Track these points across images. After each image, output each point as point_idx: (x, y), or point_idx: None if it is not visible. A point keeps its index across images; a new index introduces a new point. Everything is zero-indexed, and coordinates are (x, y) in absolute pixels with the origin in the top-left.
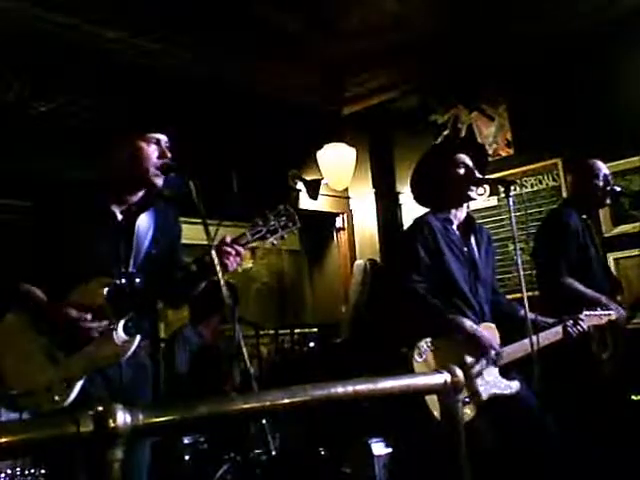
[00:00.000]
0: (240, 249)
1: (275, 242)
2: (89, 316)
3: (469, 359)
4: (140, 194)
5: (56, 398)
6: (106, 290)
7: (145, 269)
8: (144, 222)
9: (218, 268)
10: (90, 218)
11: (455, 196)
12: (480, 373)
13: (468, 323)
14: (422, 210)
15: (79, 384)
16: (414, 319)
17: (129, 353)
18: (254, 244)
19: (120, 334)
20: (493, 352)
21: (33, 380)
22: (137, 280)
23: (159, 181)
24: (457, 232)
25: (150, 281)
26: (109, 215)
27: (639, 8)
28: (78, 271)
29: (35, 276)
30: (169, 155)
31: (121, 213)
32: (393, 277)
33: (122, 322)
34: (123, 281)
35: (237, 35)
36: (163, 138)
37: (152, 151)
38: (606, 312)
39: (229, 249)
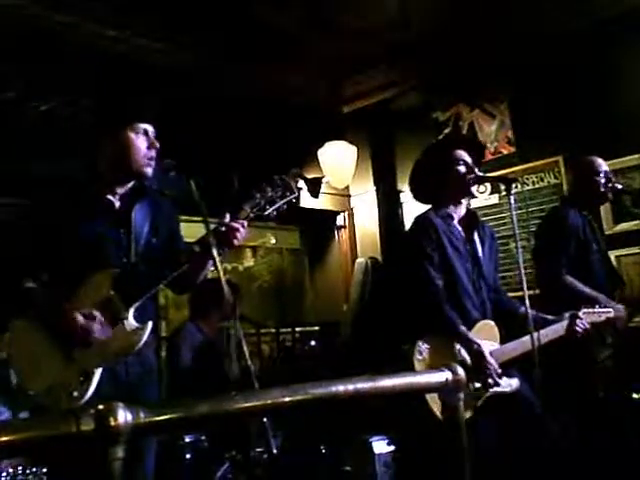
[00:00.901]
0: (243, 222)
1: (274, 213)
2: (98, 326)
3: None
4: (130, 185)
5: (75, 394)
6: (111, 281)
7: (147, 258)
8: (140, 212)
9: (219, 264)
10: (88, 209)
11: (455, 193)
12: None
13: (476, 343)
14: (423, 208)
15: (95, 379)
16: (426, 316)
17: (143, 341)
18: (255, 243)
19: (131, 322)
20: (491, 380)
21: (50, 379)
22: (141, 267)
23: (149, 170)
24: (459, 228)
25: (154, 268)
26: (107, 204)
27: (639, 7)
28: (82, 262)
29: (38, 271)
30: (157, 145)
31: (117, 201)
32: (410, 274)
33: (132, 310)
34: (127, 269)
35: (237, 35)
36: (150, 128)
37: (141, 142)
38: (605, 310)
39: (233, 225)
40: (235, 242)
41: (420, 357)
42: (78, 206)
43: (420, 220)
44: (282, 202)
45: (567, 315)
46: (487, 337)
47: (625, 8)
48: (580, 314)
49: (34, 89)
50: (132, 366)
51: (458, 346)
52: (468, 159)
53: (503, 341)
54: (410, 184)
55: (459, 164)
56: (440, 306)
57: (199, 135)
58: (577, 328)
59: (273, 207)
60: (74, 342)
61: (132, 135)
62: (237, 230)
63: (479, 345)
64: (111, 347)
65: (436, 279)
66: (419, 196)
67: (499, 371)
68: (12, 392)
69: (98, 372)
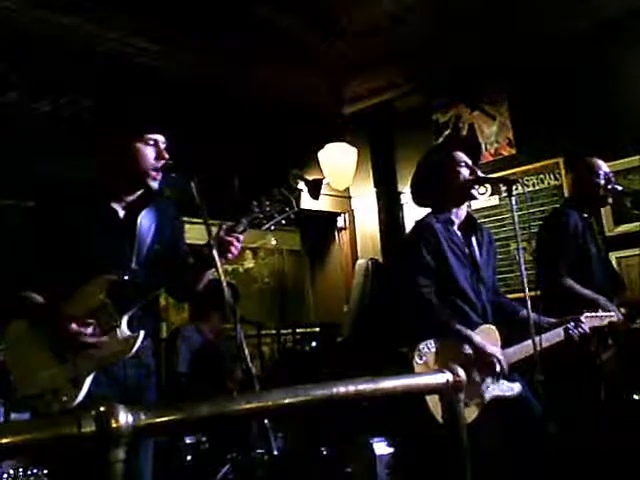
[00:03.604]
0: (239, 236)
1: (272, 227)
2: (90, 329)
3: (475, 374)
4: (138, 193)
5: (64, 399)
6: (107, 288)
7: (149, 265)
8: (146, 219)
9: (219, 266)
10: (92, 216)
11: (457, 196)
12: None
13: (476, 337)
14: (423, 210)
15: (87, 384)
16: (420, 324)
17: (134, 349)
18: (256, 244)
19: (124, 331)
20: (498, 368)
21: (41, 382)
22: (139, 276)
23: (155, 183)
24: (458, 233)
25: (153, 276)
26: (111, 213)
27: (639, 7)
28: (82, 269)
29: (38, 276)
30: (166, 156)
31: (122, 210)
32: (400, 282)
33: (125, 319)
34: (125, 278)
35: (238, 35)
36: (161, 139)
37: (149, 152)
38: (607, 314)
39: (227, 238)
40: (230, 255)
41: (420, 361)
42: (81, 212)
43: (420, 224)
44: (280, 217)
45: (568, 319)
46: (488, 341)
47: (625, 9)
48: (582, 318)
49: (35, 90)
50: (130, 369)
51: (465, 347)
52: (469, 161)
53: (504, 345)
54: (411, 188)
55: (461, 166)
56: (432, 307)
57: (200, 136)
58: (576, 332)
59: (271, 222)
60: (66, 347)
61: (140, 145)
62: (232, 244)
63: (478, 339)
64: (102, 354)
65: (422, 285)
66: (420, 200)
67: (498, 345)
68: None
69: (89, 378)
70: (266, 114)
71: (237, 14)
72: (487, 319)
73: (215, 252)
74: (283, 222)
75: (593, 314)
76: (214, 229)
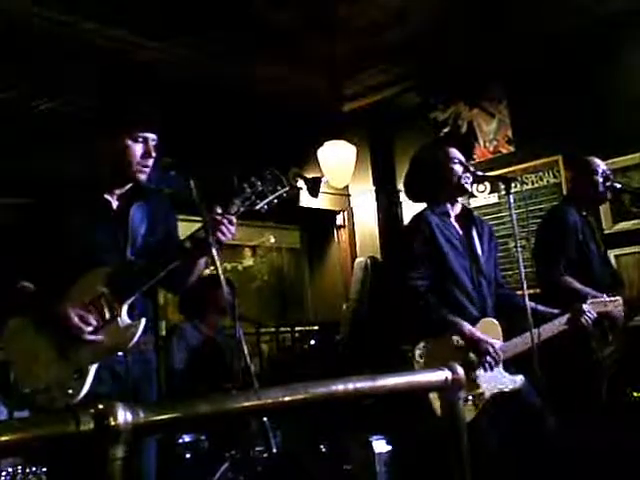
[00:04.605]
0: (232, 218)
1: (265, 207)
2: (92, 318)
3: (469, 361)
4: (127, 187)
5: (70, 392)
6: (105, 279)
7: (143, 256)
8: (138, 211)
9: (217, 263)
10: (86, 208)
11: (450, 192)
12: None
13: (467, 327)
14: (421, 207)
15: (90, 375)
16: (414, 318)
17: (136, 338)
18: (255, 242)
19: (124, 319)
20: (491, 356)
21: (45, 377)
22: (135, 265)
23: (142, 177)
24: (456, 225)
25: (147, 266)
26: (105, 203)
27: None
28: (78, 261)
29: (34, 271)
30: (154, 154)
31: (115, 201)
32: (392, 276)
33: (125, 307)
34: (121, 267)
35: (237, 34)
36: (151, 136)
37: (137, 149)
38: (611, 299)
39: (220, 219)
40: (223, 238)
41: (420, 360)
42: (76, 205)
43: (415, 219)
44: (273, 196)
45: (573, 307)
46: (489, 335)
47: (624, 7)
48: (585, 307)
49: (34, 88)
50: (133, 366)
51: (456, 338)
52: (462, 157)
53: (507, 337)
54: (405, 184)
55: (454, 163)
56: (423, 299)
57: (198, 134)
58: (583, 319)
59: (264, 201)
60: (68, 336)
61: (129, 142)
62: (222, 224)
63: (469, 328)
64: (104, 344)
65: (413, 278)
66: (414, 196)
67: (499, 338)
68: (11, 391)
69: (93, 369)
70: (265, 112)
71: (236, 12)
72: (486, 311)
73: (212, 246)
74: (276, 201)
75: (597, 300)
76: None
